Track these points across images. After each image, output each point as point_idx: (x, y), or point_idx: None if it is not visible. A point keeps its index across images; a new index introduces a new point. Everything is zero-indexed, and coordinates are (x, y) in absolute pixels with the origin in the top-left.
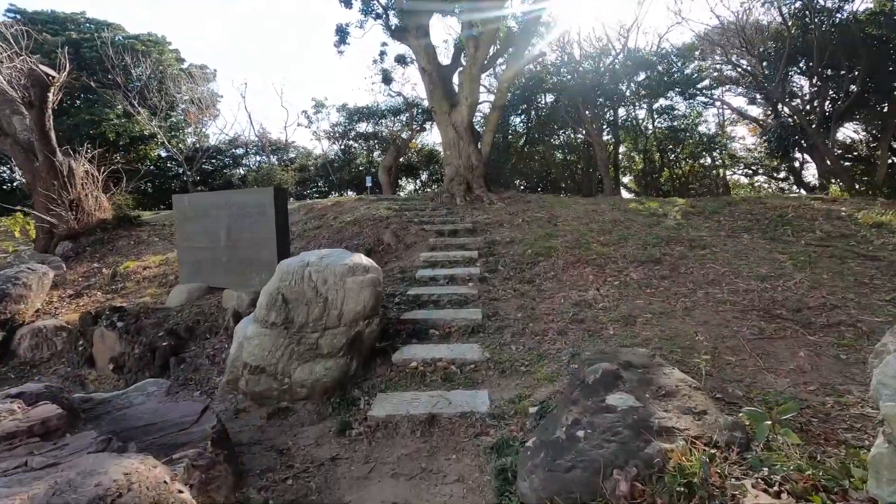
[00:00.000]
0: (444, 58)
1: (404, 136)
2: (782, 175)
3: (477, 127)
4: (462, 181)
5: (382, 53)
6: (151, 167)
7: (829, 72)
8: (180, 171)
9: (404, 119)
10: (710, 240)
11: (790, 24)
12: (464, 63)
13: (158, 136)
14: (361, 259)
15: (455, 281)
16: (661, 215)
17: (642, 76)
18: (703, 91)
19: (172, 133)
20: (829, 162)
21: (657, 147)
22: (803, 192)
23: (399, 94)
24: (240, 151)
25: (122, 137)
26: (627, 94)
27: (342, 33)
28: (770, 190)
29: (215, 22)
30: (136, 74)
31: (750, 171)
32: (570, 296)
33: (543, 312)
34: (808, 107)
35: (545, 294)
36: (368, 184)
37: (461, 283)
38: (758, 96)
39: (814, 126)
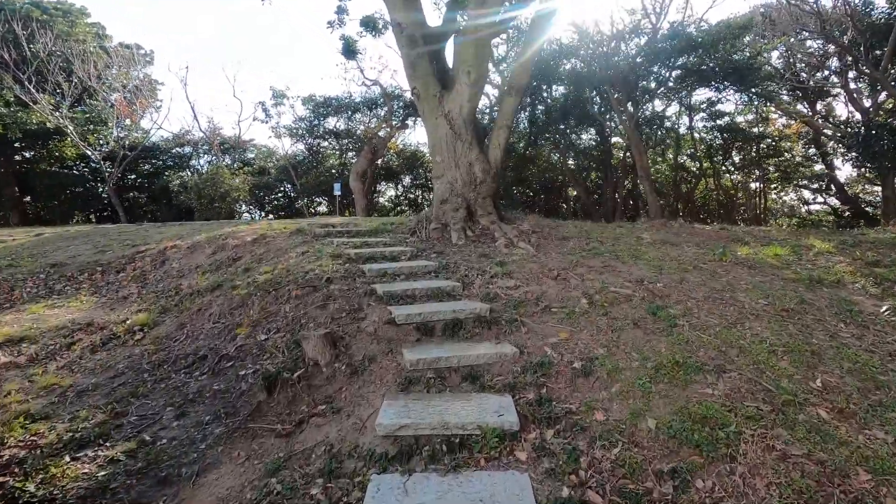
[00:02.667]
0: (433, 18)
1: (381, 133)
2: (807, 186)
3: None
4: (461, 204)
5: (341, 12)
6: (80, 168)
7: None
8: (113, 172)
9: (382, 113)
10: None
11: None
12: (462, 23)
13: (68, 131)
14: None
15: None
16: (834, 282)
17: (680, 60)
18: (766, 80)
19: (90, 127)
20: None
21: (701, 153)
22: (835, 200)
23: (375, 82)
24: (187, 150)
25: (10, 130)
26: (670, 83)
27: None
28: (796, 205)
29: (208, 17)
30: (34, 51)
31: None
32: None
33: None
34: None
35: None
36: (337, 192)
37: None
38: (783, 94)
39: None
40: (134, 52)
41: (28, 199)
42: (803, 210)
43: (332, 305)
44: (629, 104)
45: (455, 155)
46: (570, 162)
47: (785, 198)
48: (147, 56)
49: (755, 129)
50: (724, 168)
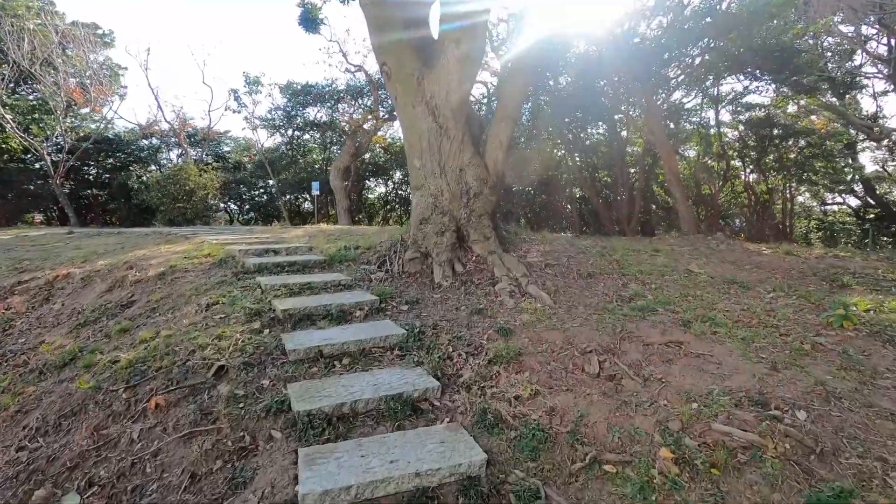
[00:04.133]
0: None
1: (367, 126)
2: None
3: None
4: (447, 226)
5: None
6: (30, 163)
7: None
8: (59, 168)
9: (369, 103)
10: None
11: None
12: None
13: (6, 120)
14: None
15: None
16: None
17: (713, 42)
18: (811, 66)
19: (34, 117)
20: None
21: (733, 151)
22: (854, 200)
23: (360, 68)
24: (155, 143)
25: None
26: (701, 69)
27: None
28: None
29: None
30: None
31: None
32: None
33: None
34: None
35: None
36: (315, 191)
37: None
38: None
39: None
40: (81, 32)
41: None
42: (817, 210)
43: (204, 441)
44: (652, 94)
45: (440, 157)
46: (577, 159)
47: (798, 197)
48: (106, 37)
49: (797, 125)
50: (756, 169)
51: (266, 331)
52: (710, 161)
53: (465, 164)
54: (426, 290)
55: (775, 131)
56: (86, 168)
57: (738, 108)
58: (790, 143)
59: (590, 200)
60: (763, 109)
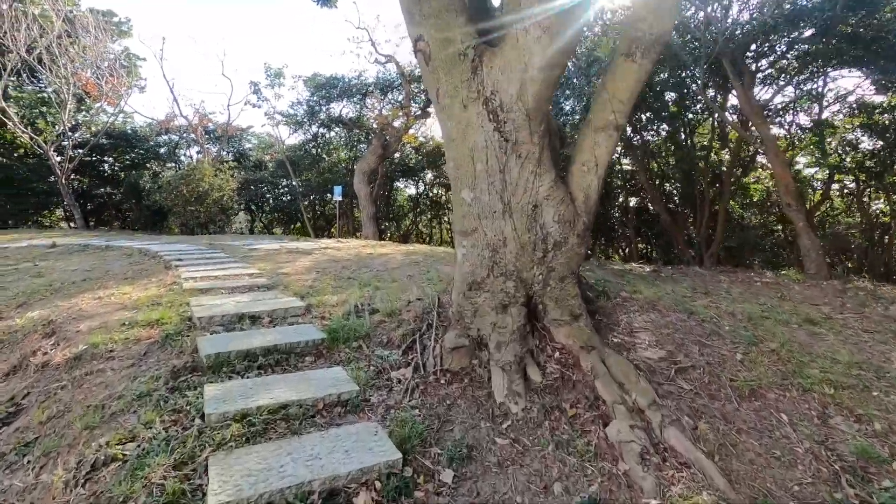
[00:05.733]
0: None
1: (396, 124)
2: None
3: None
4: (512, 296)
5: None
6: (41, 160)
7: None
8: (65, 166)
9: (399, 98)
10: None
11: None
12: None
13: (8, 114)
14: None
15: None
16: None
17: (819, 27)
18: None
19: (42, 110)
20: None
21: (852, 161)
22: None
23: (390, 58)
24: (173, 139)
25: None
26: (814, 60)
27: None
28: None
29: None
30: None
31: None
32: None
33: None
34: None
35: None
36: (337, 196)
37: None
38: None
39: None
40: (92, 20)
41: None
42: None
43: None
44: (751, 90)
45: (504, 187)
46: (635, 164)
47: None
48: (123, 25)
49: None
50: (878, 186)
51: None
52: (804, 170)
53: (541, 198)
54: (482, 421)
55: None
56: (102, 165)
57: (853, 109)
58: None
59: (656, 215)
60: (890, 112)
